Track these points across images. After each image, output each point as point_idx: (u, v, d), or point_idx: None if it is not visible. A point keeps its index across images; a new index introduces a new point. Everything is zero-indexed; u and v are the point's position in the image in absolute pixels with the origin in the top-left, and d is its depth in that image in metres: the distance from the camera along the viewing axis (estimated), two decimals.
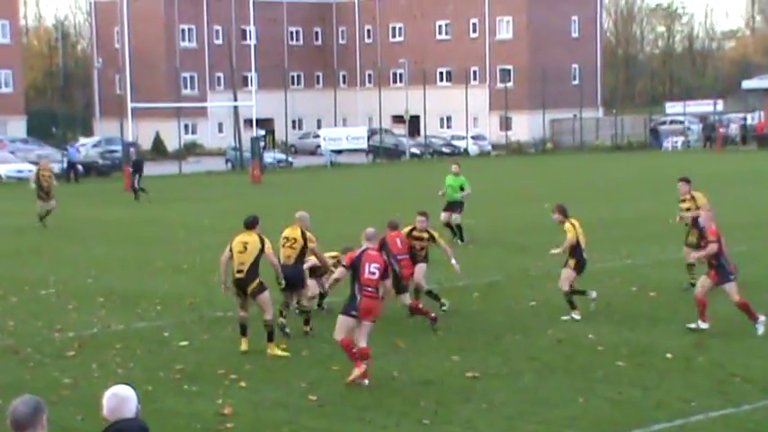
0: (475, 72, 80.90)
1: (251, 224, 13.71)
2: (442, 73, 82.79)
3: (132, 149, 43.53)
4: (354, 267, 12.00)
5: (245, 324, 13.64)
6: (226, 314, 16.04)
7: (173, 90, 69.52)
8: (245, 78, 74.88)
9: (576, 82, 79.41)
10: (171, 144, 67.88)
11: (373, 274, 11.93)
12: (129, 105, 47.61)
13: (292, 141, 74.05)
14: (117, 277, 19.82)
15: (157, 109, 66.23)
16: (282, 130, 66.29)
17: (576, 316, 15.13)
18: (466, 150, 69.58)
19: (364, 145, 65.87)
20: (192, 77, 79.88)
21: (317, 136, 70.68)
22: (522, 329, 14.59)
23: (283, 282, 14.14)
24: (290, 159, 62.40)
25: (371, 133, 70.37)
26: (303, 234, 14.71)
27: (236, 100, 63.59)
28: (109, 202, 38.57)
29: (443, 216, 24.62)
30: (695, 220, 17.21)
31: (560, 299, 16.58)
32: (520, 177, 47.91)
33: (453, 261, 15.67)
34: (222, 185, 46.51)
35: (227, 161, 61.63)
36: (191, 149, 72.48)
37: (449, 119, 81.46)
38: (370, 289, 11.91)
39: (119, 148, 55.72)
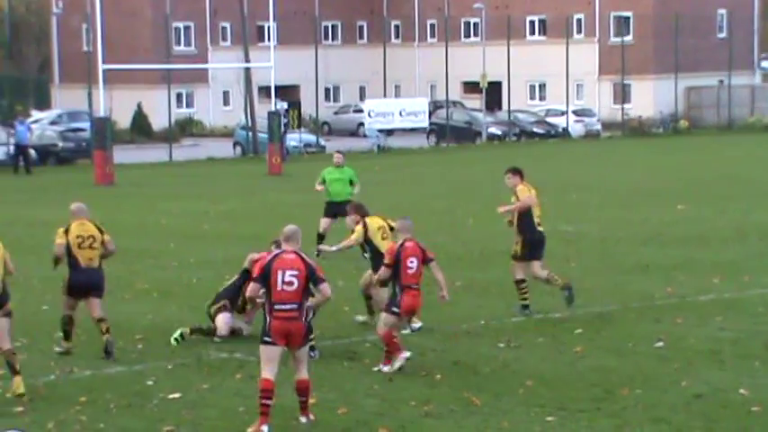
0: (579, 21, 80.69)
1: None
2: (533, 23, 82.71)
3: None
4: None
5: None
6: (232, 356, 16.16)
7: (160, 46, 70.05)
8: (261, 30, 75.31)
9: (723, 35, 78.84)
10: (158, 121, 68.46)
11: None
12: (101, 67, 47.94)
13: (325, 118, 74.40)
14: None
15: (139, 72, 66.79)
16: (312, 101, 66.58)
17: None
18: (566, 130, 69.43)
19: (425, 123, 65.99)
20: (186, 29, 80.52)
21: (360, 110, 70.96)
22: (645, 380, 14.55)
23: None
24: (321, 142, 62.70)
25: (435, 107, 70.46)
26: (99, 228, 16.60)
27: (247, 60, 63.98)
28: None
29: (325, 223, 25.63)
30: None
31: (699, 338, 16.50)
32: (642, 168, 47.68)
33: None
34: (228, 178, 46.84)
35: (235, 145, 62.09)
36: (185, 128, 73.09)
37: (542, 87, 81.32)
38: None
39: (86, 125, 56.31)
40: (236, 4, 67.35)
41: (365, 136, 65.30)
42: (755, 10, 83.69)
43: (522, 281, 18.51)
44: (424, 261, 15.47)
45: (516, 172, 18.55)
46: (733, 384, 14.26)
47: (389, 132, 64.38)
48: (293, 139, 59.16)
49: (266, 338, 12.70)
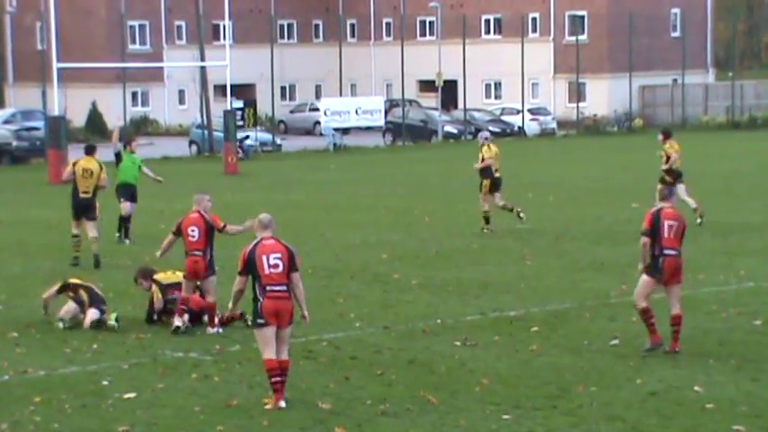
0: (534, 20, 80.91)
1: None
2: (488, 21, 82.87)
3: None
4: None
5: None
6: (187, 355, 16.11)
7: (115, 45, 69.75)
8: (216, 29, 75.11)
9: (677, 34, 79.28)
10: (113, 120, 68.10)
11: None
12: (55, 66, 47.70)
13: (281, 116, 74.32)
14: (37, 304, 19.86)
15: (94, 71, 66.47)
16: (268, 100, 66.45)
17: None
18: (521, 129, 69.64)
19: (381, 121, 66.03)
20: (141, 27, 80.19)
21: (316, 109, 70.92)
22: (600, 378, 14.60)
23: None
24: (278, 141, 62.64)
25: (390, 105, 70.51)
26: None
27: (202, 59, 63.76)
28: (27, 200, 38.72)
29: (128, 207, 27.40)
30: None
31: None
32: (596, 166, 47.87)
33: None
34: (184, 177, 46.62)
35: (190, 143, 61.90)
36: (141, 127, 72.74)
37: (497, 86, 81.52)
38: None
39: (40, 124, 55.97)
40: (192, 3, 67.11)
41: (321, 134, 65.32)
42: (709, 10, 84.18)
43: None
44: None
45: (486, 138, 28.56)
46: (687, 382, 14.32)
47: (345, 131, 64.41)
48: (249, 137, 58.97)
49: (260, 321, 13.34)
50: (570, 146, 62.44)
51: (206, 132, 60.23)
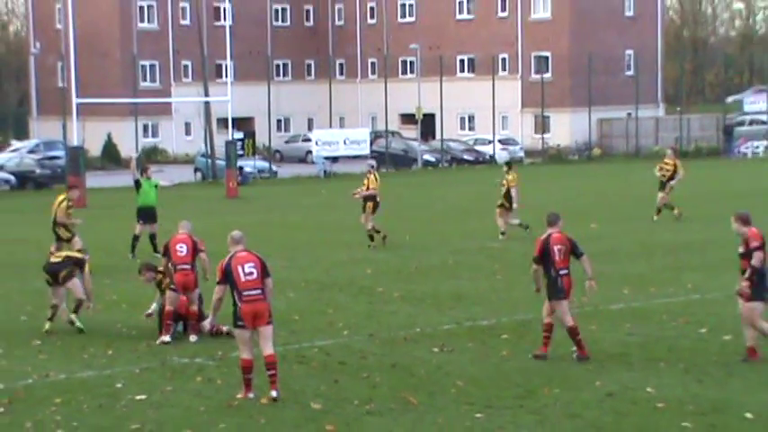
0: (504, 60, 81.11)
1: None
2: (462, 61, 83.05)
3: None
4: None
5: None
6: (193, 361, 16.09)
7: (128, 82, 69.77)
8: (219, 68, 75.17)
9: (631, 73, 79.55)
10: (126, 149, 68.03)
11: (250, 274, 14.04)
12: (74, 101, 47.69)
13: (277, 146, 74.30)
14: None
15: (109, 106, 66.43)
16: (265, 132, 66.43)
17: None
18: (492, 157, 69.74)
19: (366, 150, 65.99)
20: (152, 67, 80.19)
21: (308, 140, 70.94)
22: (563, 380, 14.60)
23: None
24: (274, 168, 62.61)
25: (375, 136, 70.56)
26: None
27: (206, 95, 63.76)
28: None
29: (140, 228, 27.82)
30: None
31: (610, 342, 16.61)
32: (559, 191, 47.91)
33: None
34: (190, 201, 46.60)
35: (195, 170, 61.82)
36: (151, 156, 72.69)
37: (471, 118, 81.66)
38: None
39: (61, 153, 55.91)
40: (197, 45, 67.14)
41: (313, 162, 65.33)
42: (659, 51, 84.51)
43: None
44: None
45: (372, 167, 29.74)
46: (640, 383, 14.34)
47: (335, 159, 64.41)
48: (249, 165, 58.96)
49: (239, 323, 13.64)
50: (536, 173, 62.48)
51: (209, 161, 60.19)
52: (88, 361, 16.31)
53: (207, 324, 15.43)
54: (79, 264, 18.66)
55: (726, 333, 17.26)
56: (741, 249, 15.28)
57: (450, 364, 15.60)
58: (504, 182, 30.27)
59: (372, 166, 29.80)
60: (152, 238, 27.75)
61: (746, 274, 15.04)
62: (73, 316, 18.35)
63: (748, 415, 12.89)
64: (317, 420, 12.94)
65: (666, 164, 34.10)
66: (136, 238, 27.78)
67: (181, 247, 17.76)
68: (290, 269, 24.84)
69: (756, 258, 14.98)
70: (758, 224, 15.73)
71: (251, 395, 13.78)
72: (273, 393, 13.65)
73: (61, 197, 24.51)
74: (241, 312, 13.60)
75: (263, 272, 13.80)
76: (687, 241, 28.65)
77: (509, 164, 32.01)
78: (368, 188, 28.77)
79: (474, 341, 17.12)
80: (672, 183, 33.55)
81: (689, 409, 13.17)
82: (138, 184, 28.60)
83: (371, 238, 28.45)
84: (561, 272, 15.56)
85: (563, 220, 16.32)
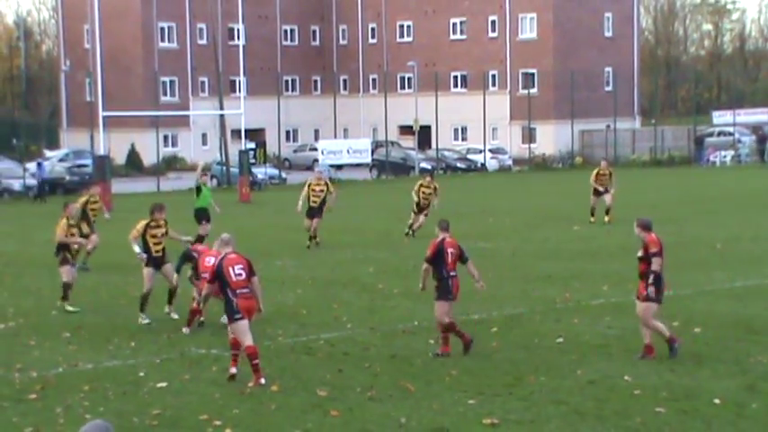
0: (494, 77, 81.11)
1: None
2: (456, 77, 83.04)
3: None
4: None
5: None
6: (209, 352, 16.08)
7: (150, 97, 69.77)
8: (233, 83, 75.19)
9: (610, 88, 79.56)
10: (148, 158, 68.09)
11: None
12: (101, 114, 47.70)
13: (286, 155, 74.33)
14: (86, 309, 19.82)
15: (133, 118, 66.49)
16: (275, 142, 66.46)
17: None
18: (483, 165, 69.75)
19: (368, 159, 66.05)
20: (171, 82, 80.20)
21: (315, 149, 70.92)
22: (548, 369, 14.59)
23: None
24: (283, 175, 62.60)
25: (376, 146, 70.60)
26: None
27: (222, 108, 63.78)
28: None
29: (208, 228, 27.55)
30: None
31: (591, 334, 16.60)
32: (545, 196, 47.93)
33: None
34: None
35: (211, 177, 61.80)
36: (170, 164, 72.72)
37: (464, 130, 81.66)
38: (453, 273, 15.06)
39: (89, 162, 55.91)
40: (213, 62, 67.17)
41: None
42: (635, 68, 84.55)
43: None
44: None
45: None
46: (619, 372, 14.34)
47: (339, 167, 64.42)
48: (260, 172, 58.94)
49: (237, 316, 13.90)
50: (523, 179, 62.54)
51: (224, 168, 60.20)
52: (113, 352, 16.30)
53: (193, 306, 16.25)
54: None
55: (696, 326, 17.28)
56: (640, 253, 15.36)
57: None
58: (424, 188, 30.68)
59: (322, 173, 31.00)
60: (201, 239, 27.41)
61: (650, 279, 15.06)
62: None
63: (716, 401, 12.89)
64: (323, 406, 12.93)
65: (604, 173, 34.19)
66: (200, 238, 27.22)
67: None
68: (299, 268, 24.84)
69: (655, 263, 15.06)
70: (723, 224, 15.72)
71: (262, 380, 13.78)
72: (262, 380, 13.76)
73: (64, 217, 22.01)
74: (238, 306, 13.87)
75: (251, 272, 14.14)
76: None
77: (431, 172, 32.47)
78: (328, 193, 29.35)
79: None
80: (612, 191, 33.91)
81: (663, 395, 13.17)
82: (199, 189, 28.98)
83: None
84: (452, 273, 15.46)
85: (451, 228, 16.06)
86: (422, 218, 30.39)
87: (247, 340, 13.85)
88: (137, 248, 18.62)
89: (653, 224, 15.64)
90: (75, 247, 20.71)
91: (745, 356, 15.11)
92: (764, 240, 28.41)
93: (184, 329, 17.45)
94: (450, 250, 15.52)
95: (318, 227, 29.02)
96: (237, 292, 13.93)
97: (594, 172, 34.44)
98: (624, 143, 74.44)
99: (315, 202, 29.04)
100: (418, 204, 30.62)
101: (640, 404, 12.83)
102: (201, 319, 17.71)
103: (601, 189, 33.67)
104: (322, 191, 29.18)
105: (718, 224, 32.54)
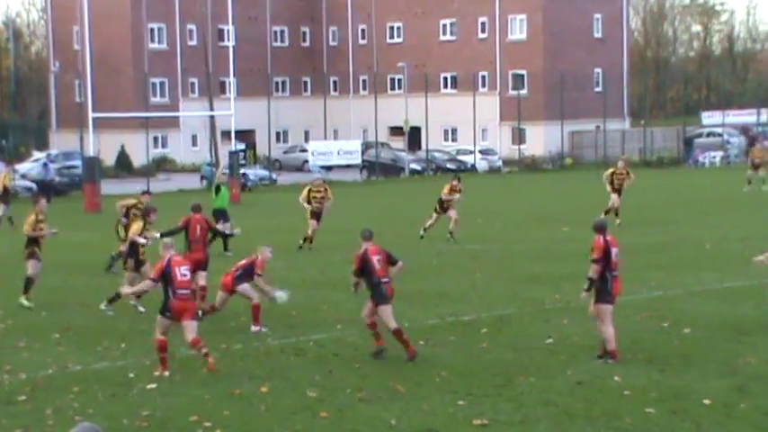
0: (483, 78, 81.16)
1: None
2: (446, 79, 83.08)
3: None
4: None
5: None
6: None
7: (140, 98, 69.66)
8: (223, 84, 75.10)
9: (599, 89, 79.66)
10: (138, 159, 67.98)
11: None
12: (90, 115, 47.59)
13: (276, 156, 74.26)
14: (75, 311, 19.79)
15: (122, 119, 66.37)
16: (265, 143, 66.42)
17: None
18: (473, 166, 69.79)
19: (358, 160, 66.05)
20: (161, 84, 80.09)
21: (305, 150, 70.95)
22: (537, 370, 14.61)
23: None
24: (273, 176, 62.57)
25: (366, 147, 70.58)
26: None
27: (212, 109, 63.72)
28: (67, 225, 38.49)
29: (230, 226, 27.09)
30: None
31: (581, 335, 16.63)
32: (535, 197, 47.99)
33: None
34: None
35: (201, 178, 61.73)
36: (160, 165, 72.64)
37: (454, 131, 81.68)
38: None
39: (78, 163, 55.82)
40: (203, 63, 67.13)
41: (309, 171, 65.29)
42: (625, 69, 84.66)
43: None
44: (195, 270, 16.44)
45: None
46: (608, 373, 14.36)
47: (329, 168, 64.41)
48: (250, 173, 58.90)
49: (167, 313, 14.74)
50: (513, 180, 62.60)
51: (214, 169, 60.12)
52: (103, 353, 16.28)
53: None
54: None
55: (685, 326, 17.31)
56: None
57: (434, 356, 15.61)
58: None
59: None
60: (224, 236, 27.32)
61: (585, 285, 15.10)
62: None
63: (706, 401, 12.92)
64: (313, 407, 12.93)
65: (621, 173, 34.11)
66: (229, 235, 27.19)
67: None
68: (289, 269, 24.82)
69: (592, 270, 15.08)
70: (712, 225, 15.77)
71: (166, 373, 14.54)
72: (211, 360, 14.71)
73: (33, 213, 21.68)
74: (171, 306, 14.66)
75: (194, 273, 15.44)
76: (651, 242, 28.70)
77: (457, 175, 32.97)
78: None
79: (456, 335, 17.12)
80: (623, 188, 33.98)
81: (652, 396, 13.19)
82: (218, 188, 29.18)
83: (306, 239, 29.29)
84: (383, 280, 15.44)
85: (373, 235, 16.06)
86: (453, 214, 30.16)
87: (159, 334, 14.74)
88: (141, 240, 19.64)
89: (606, 226, 15.71)
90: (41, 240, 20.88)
91: (734, 357, 15.15)
92: (753, 241, 28.47)
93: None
94: (375, 258, 15.58)
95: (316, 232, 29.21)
96: (178, 292, 14.66)
97: (610, 171, 34.48)
98: (614, 144, 74.53)
99: (317, 207, 29.23)
100: (441, 204, 30.43)
101: (630, 405, 12.85)
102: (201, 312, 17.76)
103: (616, 187, 33.68)
104: (323, 197, 29.37)
105: (707, 225, 32.62)
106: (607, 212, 33.19)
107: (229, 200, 29.10)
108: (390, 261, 15.73)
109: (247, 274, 17.87)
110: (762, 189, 44.60)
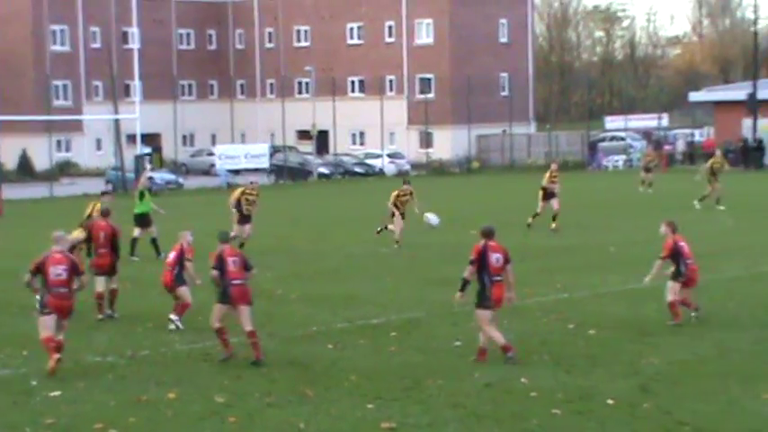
0: (391, 82, 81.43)
1: None
2: (353, 82, 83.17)
3: None
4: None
5: None
6: (105, 359, 15.83)
7: (42, 101, 68.51)
8: (127, 87, 74.21)
9: (505, 93, 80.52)
10: (40, 163, 66.87)
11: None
12: None
13: (183, 160, 73.66)
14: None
15: (24, 122, 65.18)
16: (171, 147, 65.85)
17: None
18: (381, 170, 69.95)
19: (265, 164, 65.79)
20: (64, 86, 78.87)
21: (212, 154, 70.46)
22: (445, 373, 14.66)
23: None
24: (180, 180, 62.00)
25: (274, 151, 70.33)
26: None
27: (116, 112, 62.93)
28: None
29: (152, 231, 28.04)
30: None
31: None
32: (442, 200, 48.18)
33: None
34: None
35: (107, 182, 60.95)
36: (64, 169, 71.51)
37: (362, 135, 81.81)
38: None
39: None
40: (107, 66, 66.25)
41: (216, 175, 64.87)
42: (530, 74, 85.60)
43: None
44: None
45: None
46: (515, 375, 14.47)
47: (236, 172, 64.03)
48: (156, 177, 58.25)
49: (45, 310, 14.85)
50: (421, 184, 62.59)
51: (120, 173, 59.43)
52: (4, 360, 15.96)
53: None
54: None
55: (591, 328, 17.53)
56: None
57: (343, 360, 15.59)
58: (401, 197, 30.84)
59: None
60: (154, 240, 27.83)
61: (459, 285, 15.44)
62: None
63: (610, 401, 13.10)
64: (221, 413, 12.83)
65: (555, 174, 34.25)
66: (135, 240, 27.89)
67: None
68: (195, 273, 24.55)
69: (467, 271, 15.41)
70: (616, 228, 15.99)
71: (57, 356, 14.64)
72: (56, 358, 14.63)
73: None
74: (48, 303, 14.80)
75: (74, 272, 14.99)
76: (557, 246, 29.02)
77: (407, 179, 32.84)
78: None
79: (365, 338, 17.13)
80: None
81: (558, 397, 13.33)
82: (142, 194, 29.11)
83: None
84: (233, 282, 15.47)
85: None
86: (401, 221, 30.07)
87: (45, 333, 14.74)
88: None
89: (493, 232, 15.88)
90: None
91: (638, 357, 15.38)
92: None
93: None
94: (231, 259, 15.64)
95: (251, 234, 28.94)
96: (52, 290, 14.78)
97: (547, 174, 34.65)
98: (520, 148, 75.38)
99: (248, 210, 29.04)
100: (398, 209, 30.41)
101: (537, 406, 12.96)
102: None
103: (555, 190, 33.85)
104: (254, 200, 29.30)
105: (611, 228, 33.11)
106: (535, 216, 33.29)
107: (152, 205, 28.88)
108: (247, 266, 15.75)
109: (182, 267, 18.07)
110: (647, 191, 46.06)
